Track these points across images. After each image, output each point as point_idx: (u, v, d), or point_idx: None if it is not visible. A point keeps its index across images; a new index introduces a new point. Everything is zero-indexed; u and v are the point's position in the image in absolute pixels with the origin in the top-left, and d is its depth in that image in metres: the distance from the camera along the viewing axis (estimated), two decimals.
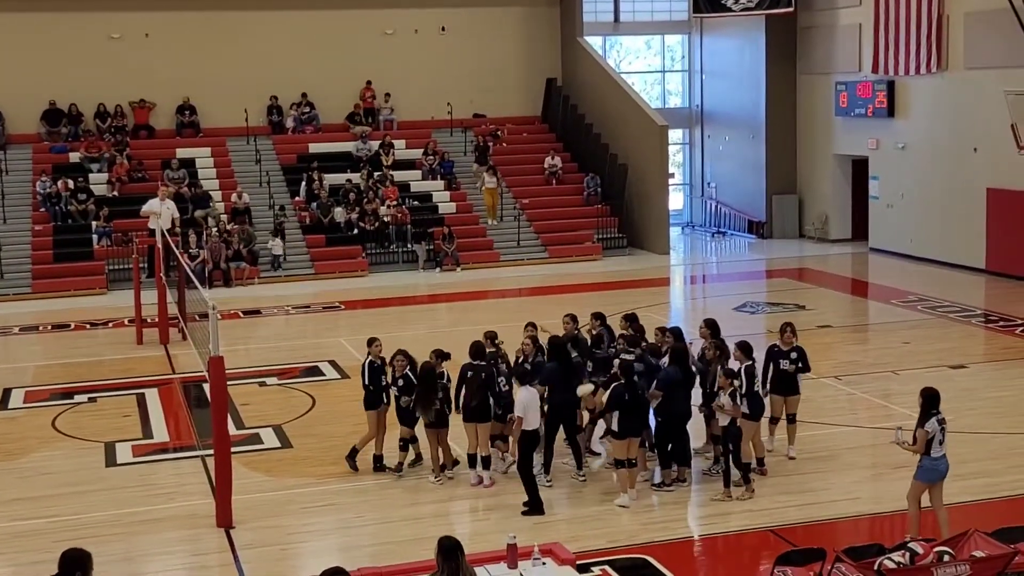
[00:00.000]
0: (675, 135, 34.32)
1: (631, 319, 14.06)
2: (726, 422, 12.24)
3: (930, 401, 10.72)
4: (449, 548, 7.65)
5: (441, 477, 13.01)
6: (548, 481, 12.77)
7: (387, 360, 13.28)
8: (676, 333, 13.67)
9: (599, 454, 13.76)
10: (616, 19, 34.44)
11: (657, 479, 12.74)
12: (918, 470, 10.74)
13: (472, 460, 12.95)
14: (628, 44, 35.90)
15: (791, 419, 13.48)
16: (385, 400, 13.20)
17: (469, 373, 12.83)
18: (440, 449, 13.07)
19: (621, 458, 12.22)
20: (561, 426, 12.99)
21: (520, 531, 10.07)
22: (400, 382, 13.00)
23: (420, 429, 13.20)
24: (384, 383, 13.19)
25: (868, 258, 28.97)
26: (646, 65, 36.21)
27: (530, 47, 33.62)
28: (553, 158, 31.70)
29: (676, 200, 34.60)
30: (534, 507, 11.99)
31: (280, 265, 27.54)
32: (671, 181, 32.05)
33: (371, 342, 13.38)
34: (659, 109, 32.61)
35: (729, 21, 32.58)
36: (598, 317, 14.36)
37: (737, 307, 22.79)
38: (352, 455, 13.38)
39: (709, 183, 34.89)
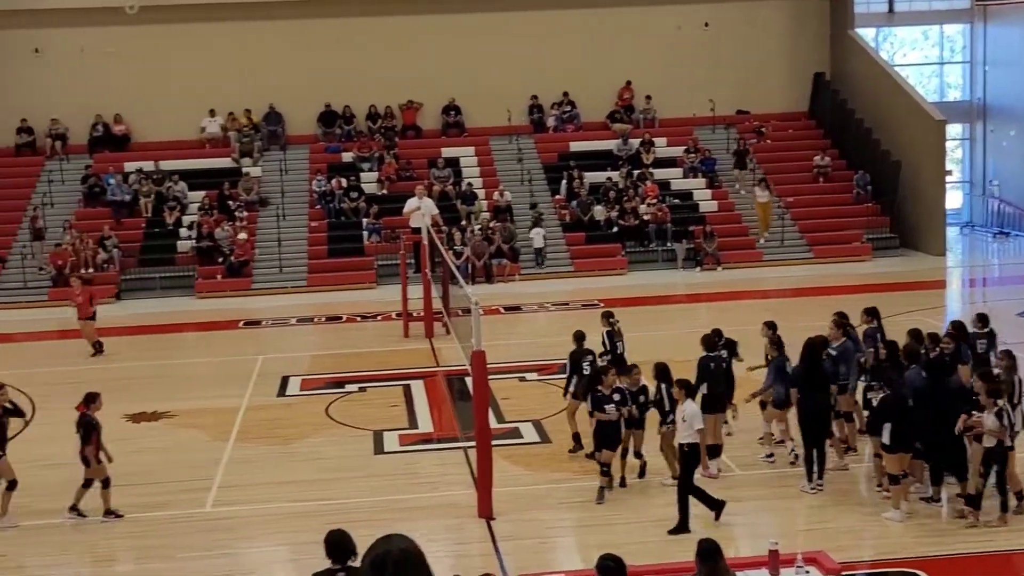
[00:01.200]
0: (953, 130, 32.54)
1: (872, 314, 14.02)
2: (993, 443, 11.36)
3: None
4: (708, 551, 7.61)
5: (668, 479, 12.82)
6: (820, 485, 12.42)
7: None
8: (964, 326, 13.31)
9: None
10: (891, 9, 33.00)
11: (929, 492, 12.06)
12: None
13: (714, 451, 12.92)
14: (903, 35, 34.28)
15: None
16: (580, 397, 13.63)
17: (711, 365, 12.78)
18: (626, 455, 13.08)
19: (895, 472, 11.61)
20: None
21: (781, 537, 9.72)
22: (616, 396, 12.67)
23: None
24: (578, 380, 13.77)
25: None
26: (922, 57, 34.49)
27: (796, 41, 32.65)
28: (823, 158, 30.58)
29: (954, 199, 32.80)
30: (682, 525, 11.45)
31: (543, 261, 27.87)
32: (948, 179, 30.43)
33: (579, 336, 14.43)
34: (936, 103, 30.99)
35: (1017, 7, 30.63)
36: (871, 314, 14.14)
37: (1021, 312, 21.33)
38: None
39: (991, 180, 32.88)
